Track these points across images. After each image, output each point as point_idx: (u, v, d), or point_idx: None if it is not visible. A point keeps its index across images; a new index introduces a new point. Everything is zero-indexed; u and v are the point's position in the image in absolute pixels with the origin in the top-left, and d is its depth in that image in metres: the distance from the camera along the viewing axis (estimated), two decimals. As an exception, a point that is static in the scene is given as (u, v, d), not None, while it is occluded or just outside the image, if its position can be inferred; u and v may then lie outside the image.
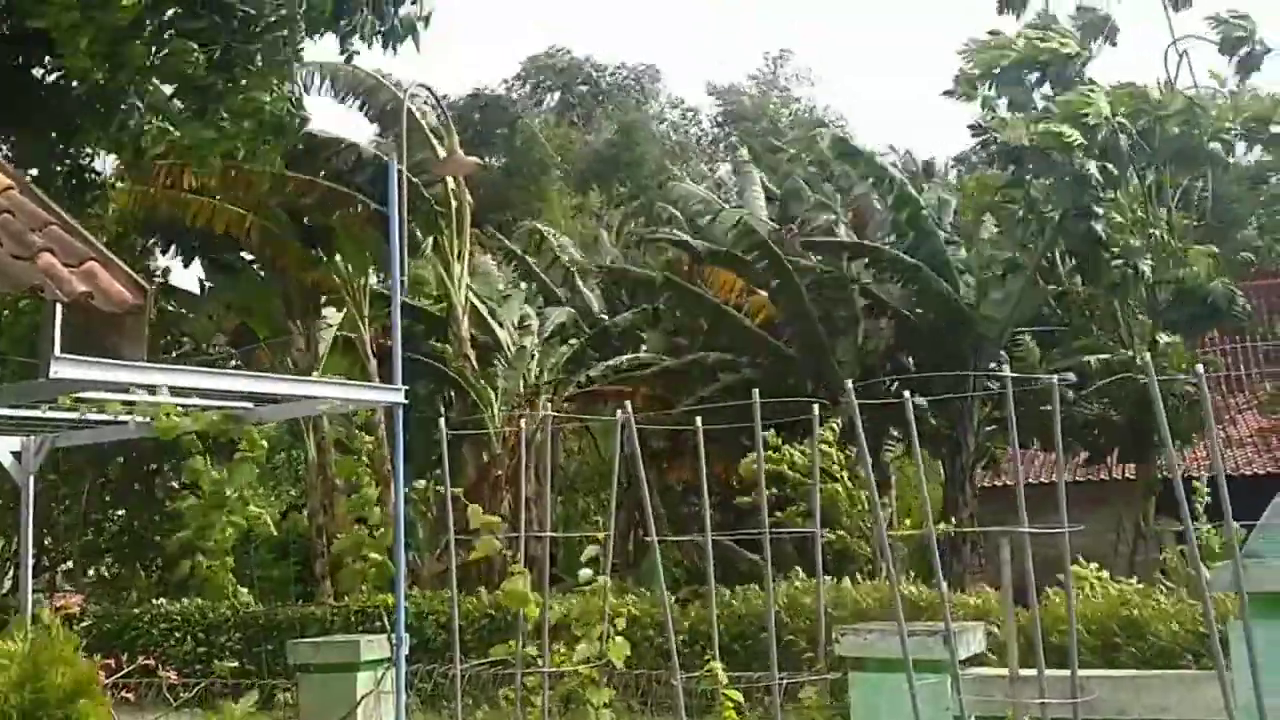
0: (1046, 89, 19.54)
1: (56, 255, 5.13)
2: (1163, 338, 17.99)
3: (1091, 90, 18.10)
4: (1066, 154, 17.64)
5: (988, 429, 19.27)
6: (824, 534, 6.68)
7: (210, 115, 9.69)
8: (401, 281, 9.78)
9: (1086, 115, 17.40)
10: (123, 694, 4.98)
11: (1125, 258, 18.00)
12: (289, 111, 10.38)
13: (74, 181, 11.39)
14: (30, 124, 10.54)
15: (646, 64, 42.82)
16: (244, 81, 9.62)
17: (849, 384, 6.31)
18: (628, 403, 7.47)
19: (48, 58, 9.85)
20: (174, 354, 20.29)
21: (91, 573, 22.98)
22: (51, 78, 10.31)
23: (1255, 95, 19.29)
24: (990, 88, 19.60)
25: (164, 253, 21.29)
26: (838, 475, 14.67)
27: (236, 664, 11.97)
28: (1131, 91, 18.35)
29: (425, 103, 20.16)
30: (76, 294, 4.99)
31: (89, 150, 11.46)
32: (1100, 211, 18.15)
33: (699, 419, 6.97)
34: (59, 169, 11.16)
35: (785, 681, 6.01)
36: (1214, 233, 19.55)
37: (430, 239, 18.77)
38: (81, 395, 7.96)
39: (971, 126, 19.85)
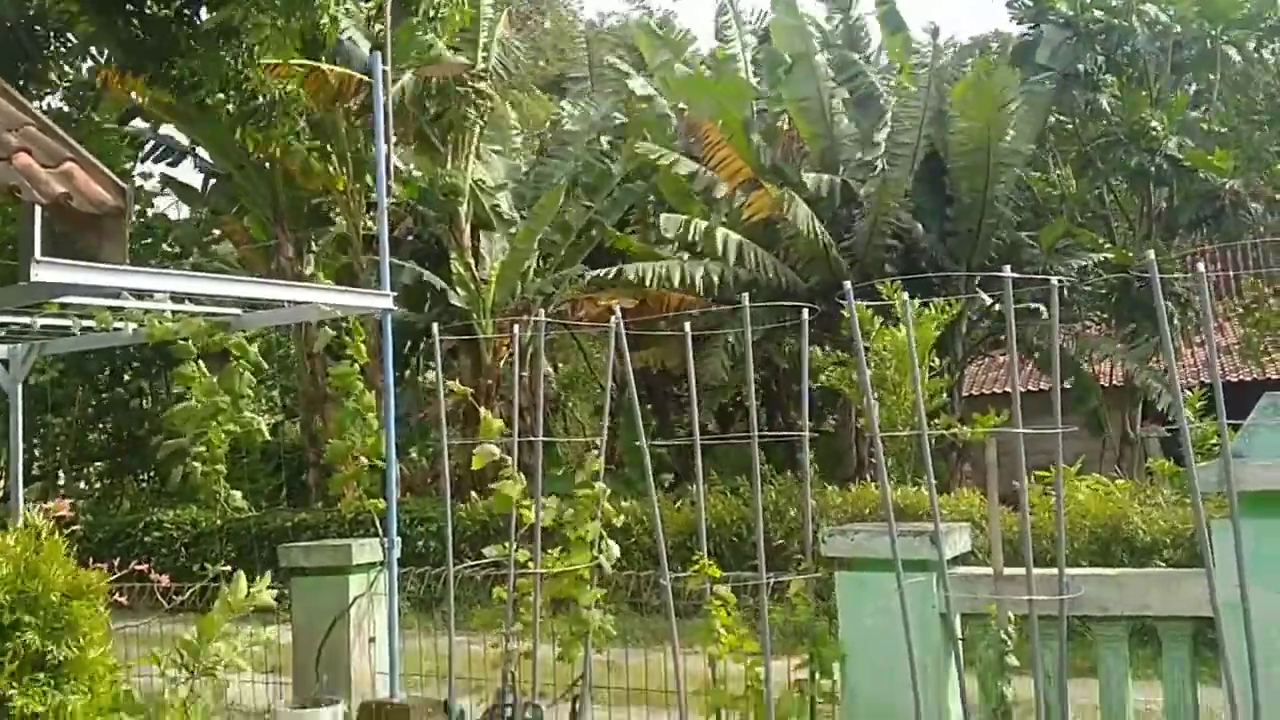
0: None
1: (34, 155, 5.00)
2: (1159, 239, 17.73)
3: None
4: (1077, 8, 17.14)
5: (977, 330, 19.03)
6: (812, 432, 6.69)
7: None
8: (389, 186, 9.65)
9: None
10: (116, 599, 4.97)
11: (1148, 145, 17.23)
12: None
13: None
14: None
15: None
16: None
17: (848, 285, 6.25)
18: (617, 307, 7.46)
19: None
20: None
21: (83, 484, 23.10)
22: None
23: None
24: None
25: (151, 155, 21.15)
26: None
27: (229, 569, 12.01)
28: None
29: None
30: (55, 195, 4.89)
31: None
32: (1109, 80, 17.51)
33: (687, 325, 6.94)
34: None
35: (773, 580, 6.06)
36: (1221, 135, 18.99)
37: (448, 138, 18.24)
38: (67, 301, 7.89)
39: None
